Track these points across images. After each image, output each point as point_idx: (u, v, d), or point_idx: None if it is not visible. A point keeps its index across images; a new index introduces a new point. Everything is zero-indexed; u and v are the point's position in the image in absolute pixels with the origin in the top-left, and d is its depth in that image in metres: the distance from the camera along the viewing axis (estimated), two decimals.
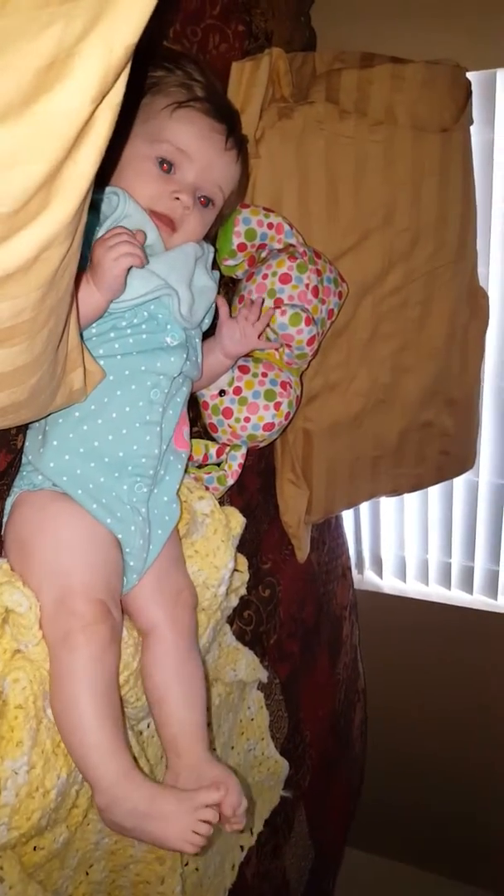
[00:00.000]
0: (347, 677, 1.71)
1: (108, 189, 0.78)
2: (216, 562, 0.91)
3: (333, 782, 1.67)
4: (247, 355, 1.03)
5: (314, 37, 1.37)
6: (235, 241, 1.02)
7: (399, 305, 1.25)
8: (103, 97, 0.41)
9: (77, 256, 0.54)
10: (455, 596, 1.98)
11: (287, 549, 1.37)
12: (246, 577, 1.04)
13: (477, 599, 1.95)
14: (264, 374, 1.03)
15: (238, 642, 1.09)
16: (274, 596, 1.31)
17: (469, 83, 1.21)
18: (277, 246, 1.06)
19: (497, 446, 1.76)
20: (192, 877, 0.98)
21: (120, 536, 0.77)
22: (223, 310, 0.96)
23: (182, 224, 0.83)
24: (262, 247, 1.06)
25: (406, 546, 1.99)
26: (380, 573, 2.06)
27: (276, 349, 1.04)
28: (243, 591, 1.04)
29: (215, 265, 1.00)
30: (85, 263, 0.73)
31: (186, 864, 0.96)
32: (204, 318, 0.90)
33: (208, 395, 1.03)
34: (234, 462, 1.04)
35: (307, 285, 1.02)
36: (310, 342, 1.04)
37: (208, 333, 0.96)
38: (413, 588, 2.03)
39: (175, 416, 0.84)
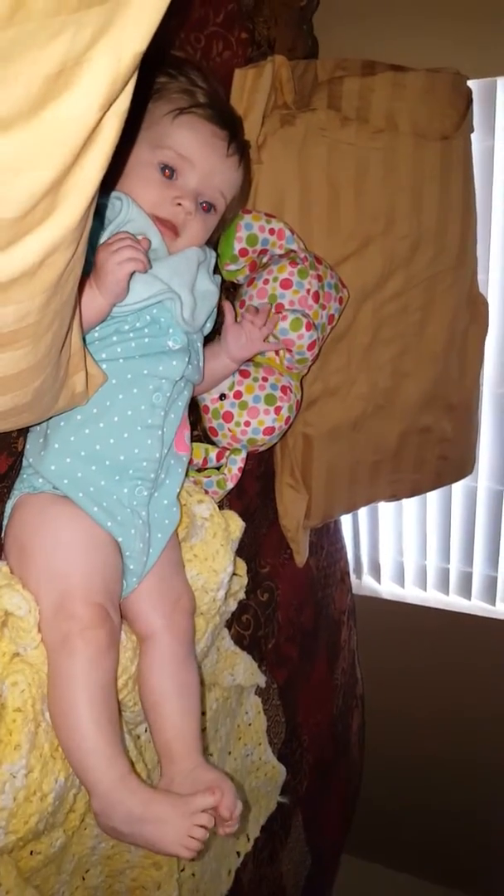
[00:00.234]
0: (345, 682, 1.71)
1: (112, 194, 0.78)
2: (215, 566, 0.91)
3: (331, 788, 1.66)
4: (248, 359, 1.03)
5: (316, 45, 1.38)
6: (237, 246, 1.03)
7: (399, 311, 1.25)
8: (111, 104, 0.41)
9: (82, 261, 0.55)
10: (453, 601, 1.98)
11: (286, 553, 1.37)
12: (244, 581, 1.04)
13: (475, 605, 1.95)
14: (265, 379, 1.03)
15: (236, 647, 1.09)
16: (272, 600, 1.31)
17: (470, 91, 1.21)
18: (279, 251, 1.06)
19: (496, 452, 1.76)
20: (188, 882, 0.98)
21: (120, 540, 0.77)
22: (229, 315, 0.97)
23: (184, 229, 0.83)
24: (263, 252, 1.06)
25: (404, 551, 1.99)
26: (378, 578, 2.06)
27: (277, 353, 1.05)
28: (242, 596, 1.04)
29: (217, 270, 1.01)
30: (89, 268, 0.73)
31: (183, 870, 0.96)
32: (206, 322, 0.90)
33: (209, 398, 1.03)
34: (234, 466, 1.04)
35: (308, 290, 1.03)
36: (310, 347, 1.04)
37: (209, 337, 0.96)
38: (411, 593, 2.03)
39: (176, 420, 0.84)
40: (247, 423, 1.02)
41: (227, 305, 0.96)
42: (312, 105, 1.13)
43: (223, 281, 1.01)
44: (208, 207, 0.86)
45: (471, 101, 1.21)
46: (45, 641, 0.70)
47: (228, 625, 1.11)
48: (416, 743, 2.15)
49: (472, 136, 1.25)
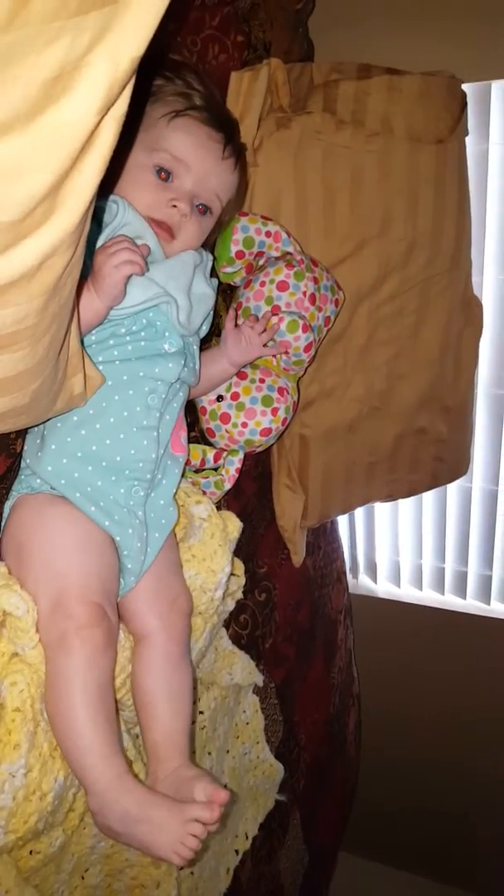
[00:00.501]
0: (342, 681, 1.71)
1: (109, 197, 0.79)
2: (213, 566, 0.91)
3: (328, 786, 1.67)
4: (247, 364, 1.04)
5: (312, 48, 1.39)
6: (234, 248, 1.03)
7: (394, 313, 1.26)
8: (109, 109, 0.42)
9: (80, 264, 0.55)
10: (449, 600, 1.98)
11: (283, 553, 1.38)
12: (242, 581, 1.04)
13: (470, 604, 1.96)
14: (262, 380, 1.04)
15: (234, 646, 1.09)
16: (270, 600, 1.32)
17: (464, 94, 1.22)
18: (275, 254, 1.07)
19: (490, 453, 1.77)
20: (187, 881, 0.98)
21: (118, 539, 0.78)
22: (229, 322, 0.98)
23: (180, 231, 0.83)
24: (259, 255, 1.07)
25: (400, 551, 2.00)
26: (374, 578, 2.06)
27: (274, 356, 1.05)
28: (240, 595, 1.04)
29: (214, 272, 1.01)
30: (87, 271, 0.73)
31: (182, 868, 0.96)
32: (202, 325, 0.91)
33: (206, 400, 1.04)
34: (232, 467, 1.05)
35: (304, 293, 1.03)
36: (307, 349, 1.05)
37: (206, 340, 0.97)
38: (407, 592, 2.04)
39: (172, 422, 0.85)
40: (244, 425, 1.02)
41: (229, 316, 0.97)
42: (308, 108, 1.14)
43: (220, 283, 1.01)
44: (204, 210, 0.86)
45: (465, 104, 1.22)
46: (42, 641, 0.70)
47: (226, 624, 1.11)
48: (412, 741, 2.16)
49: (467, 139, 1.26)
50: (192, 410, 1.05)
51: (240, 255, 1.04)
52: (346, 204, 1.14)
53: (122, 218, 0.78)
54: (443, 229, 1.22)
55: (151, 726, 0.77)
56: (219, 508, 0.98)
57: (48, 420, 0.76)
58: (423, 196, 1.18)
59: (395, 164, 1.15)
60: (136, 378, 0.79)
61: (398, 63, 1.20)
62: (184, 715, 0.79)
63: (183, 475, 0.90)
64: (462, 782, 2.15)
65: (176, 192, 0.82)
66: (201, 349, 0.92)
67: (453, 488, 1.82)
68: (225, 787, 1.02)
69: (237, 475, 1.05)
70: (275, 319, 1.01)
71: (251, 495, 1.26)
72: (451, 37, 1.36)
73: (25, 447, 0.79)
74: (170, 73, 0.85)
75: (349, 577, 1.95)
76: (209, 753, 1.03)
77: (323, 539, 1.61)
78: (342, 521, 1.94)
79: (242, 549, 1.18)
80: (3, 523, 0.77)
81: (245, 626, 1.23)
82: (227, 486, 1.04)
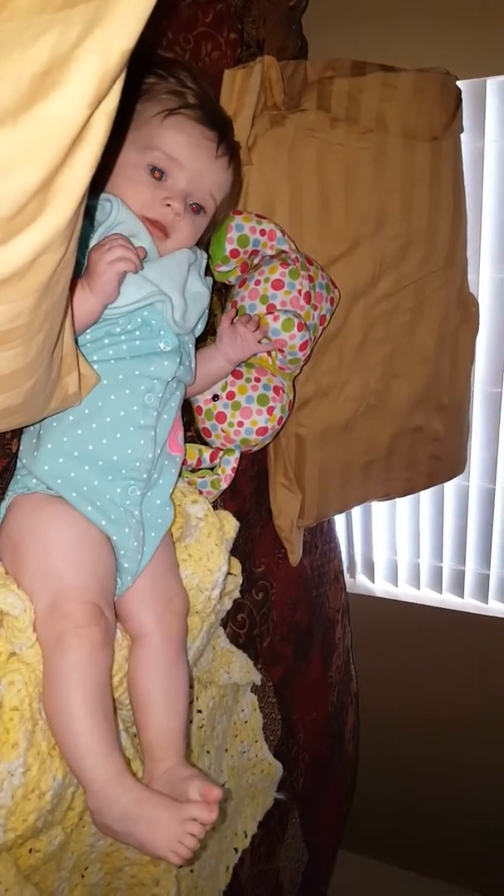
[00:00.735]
0: (340, 680, 1.71)
1: (101, 196, 0.78)
2: (210, 565, 0.91)
3: (326, 785, 1.67)
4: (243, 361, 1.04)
5: (306, 45, 1.39)
6: (228, 247, 1.03)
7: (390, 311, 1.26)
8: (99, 103, 0.42)
9: (72, 261, 0.55)
10: (446, 599, 1.98)
11: (280, 552, 1.38)
12: (239, 580, 1.04)
13: (468, 603, 1.96)
14: (257, 379, 1.04)
15: (232, 645, 1.09)
16: (267, 599, 1.32)
17: (459, 91, 1.22)
18: (270, 252, 1.06)
19: (487, 451, 1.77)
20: (186, 879, 0.98)
21: (114, 538, 0.78)
22: (225, 319, 0.98)
23: (174, 230, 0.83)
24: (254, 253, 1.06)
25: (398, 550, 2.00)
26: (372, 577, 2.06)
27: (269, 354, 1.05)
28: (237, 595, 1.04)
29: (208, 271, 1.01)
30: (80, 269, 0.73)
31: (181, 867, 0.96)
32: (197, 323, 0.91)
33: (202, 399, 1.04)
34: (228, 466, 1.05)
35: (299, 291, 1.03)
36: (302, 347, 1.05)
37: (201, 338, 0.97)
38: (404, 591, 2.04)
39: (169, 421, 0.85)
40: (240, 424, 1.02)
41: (226, 315, 0.97)
42: (302, 106, 1.14)
43: (215, 282, 1.01)
44: (198, 209, 0.86)
45: (460, 101, 1.22)
46: (40, 640, 0.70)
47: (224, 623, 1.11)
48: (410, 739, 2.16)
49: (462, 136, 1.26)
50: (187, 410, 1.05)
51: (234, 253, 1.04)
52: (341, 202, 1.14)
53: (116, 216, 0.78)
54: (438, 227, 1.22)
55: (147, 725, 0.77)
56: (215, 508, 0.98)
57: (43, 419, 0.76)
58: (418, 193, 1.18)
59: (389, 161, 1.15)
60: (132, 377, 0.79)
61: (392, 60, 1.20)
62: (180, 714, 0.79)
63: (179, 475, 0.90)
64: (460, 780, 2.16)
65: (170, 191, 0.82)
66: (196, 348, 0.92)
67: (450, 487, 1.82)
68: (223, 785, 1.02)
69: (233, 474, 1.05)
70: (268, 318, 1.01)
71: (248, 495, 1.26)
72: (445, 33, 1.36)
73: (21, 447, 0.79)
74: (162, 71, 0.85)
75: (346, 576, 1.95)
76: (208, 752, 1.03)
77: (320, 538, 1.61)
78: (339, 521, 1.94)
79: (239, 549, 1.18)
80: None
81: (243, 626, 1.23)
82: (224, 485, 1.04)
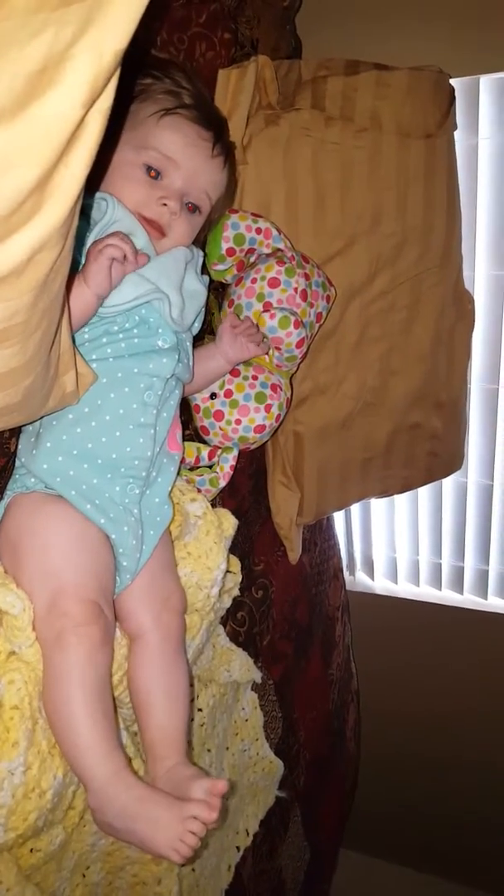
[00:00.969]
0: (340, 678, 1.72)
1: (97, 195, 0.79)
2: (208, 563, 0.92)
3: (328, 782, 1.67)
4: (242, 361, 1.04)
5: (300, 45, 1.39)
6: (224, 245, 1.04)
7: (386, 309, 1.26)
8: (94, 102, 0.42)
9: (69, 260, 0.55)
10: (446, 596, 1.99)
11: (279, 550, 1.38)
12: (239, 578, 1.04)
13: (467, 599, 1.96)
14: (254, 377, 1.04)
15: (232, 643, 1.09)
16: (267, 597, 1.32)
17: (452, 89, 1.23)
18: (266, 251, 1.07)
19: (484, 447, 1.77)
20: (188, 878, 0.99)
21: (113, 537, 0.78)
22: (226, 320, 0.98)
23: (170, 229, 0.84)
24: (250, 251, 1.07)
25: (397, 547, 2.00)
26: (371, 574, 2.07)
27: (266, 353, 1.05)
28: (236, 593, 1.05)
29: (205, 269, 1.02)
30: (76, 268, 0.73)
31: (182, 865, 0.96)
32: (194, 321, 0.91)
33: (199, 398, 1.04)
34: (226, 464, 1.05)
35: (296, 289, 1.03)
36: (299, 345, 1.05)
37: (199, 336, 0.97)
38: (404, 589, 2.04)
39: (169, 419, 0.85)
40: (238, 422, 1.03)
41: (229, 315, 0.97)
42: (296, 105, 1.14)
43: (211, 281, 1.02)
44: (193, 208, 0.86)
45: (454, 98, 1.23)
46: (39, 639, 0.70)
47: (224, 622, 1.11)
48: (411, 736, 2.16)
49: (456, 134, 1.26)
50: (185, 408, 1.05)
51: (231, 252, 1.05)
52: (336, 200, 1.14)
53: (112, 215, 0.78)
54: (433, 224, 1.23)
55: (148, 724, 0.78)
56: (214, 506, 0.98)
57: (42, 418, 0.76)
58: (412, 191, 1.19)
59: (384, 159, 1.15)
60: (130, 375, 0.79)
61: (386, 58, 1.21)
62: (180, 713, 0.79)
63: (178, 473, 0.90)
64: (461, 777, 2.16)
65: (165, 191, 0.82)
66: (194, 346, 0.93)
67: (449, 483, 1.83)
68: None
69: (232, 472, 1.05)
70: (265, 316, 1.01)
71: (246, 493, 1.26)
72: (438, 32, 1.36)
73: (20, 446, 0.79)
74: (158, 71, 0.85)
75: (346, 574, 1.95)
76: (208, 750, 1.04)
77: (319, 536, 1.61)
78: (338, 518, 1.94)
79: (239, 547, 1.18)
80: None
81: (242, 624, 1.23)
82: (222, 483, 1.05)
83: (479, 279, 1.59)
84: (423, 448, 1.43)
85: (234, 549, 1.00)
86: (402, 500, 1.91)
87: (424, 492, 1.86)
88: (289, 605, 1.42)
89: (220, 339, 0.99)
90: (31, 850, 0.73)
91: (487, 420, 1.74)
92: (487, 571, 1.91)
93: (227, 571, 0.98)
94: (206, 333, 1.04)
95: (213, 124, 0.86)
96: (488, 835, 2.20)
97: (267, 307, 1.03)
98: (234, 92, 1.07)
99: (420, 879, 2.38)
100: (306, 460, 1.31)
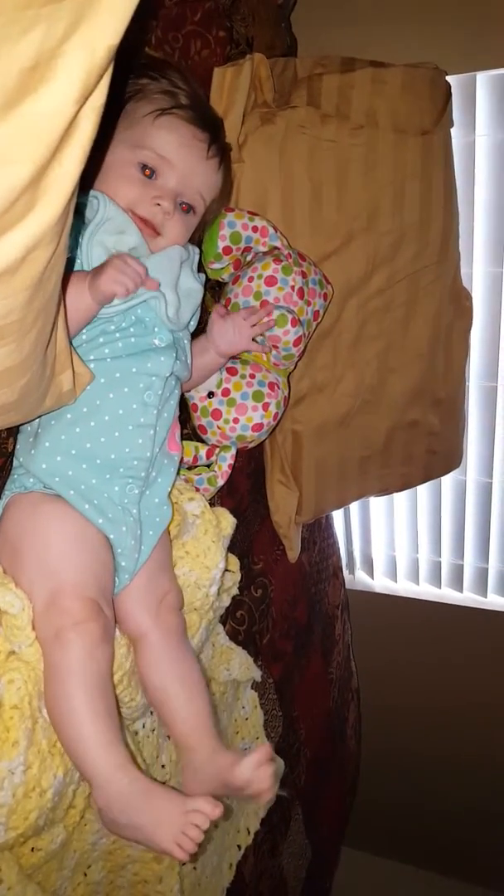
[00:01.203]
0: (340, 676, 1.72)
1: (90, 193, 0.79)
2: (207, 562, 0.92)
3: (329, 781, 1.67)
4: (234, 357, 1.04)
5: (295, 42, 1.39)
6: (221, 244, 1.04)
7: (383, 307, 1.26)
8: (86, 99, 0.42)
9: (63, 258, 0.55)
10: (445, 594, 1.99)
11: (278, 549, 1.38)
12: (238, 577, 1.04)
13: (467, 597, 1.96)
14: (252, 376, 1.04)
15: (231, 642, 1.09)
16: (266, 596, 1.32)
17: (449, 86, 1.23)
18: (262, 249, 1.07)
19: (483, 445, 1.77)
20: (190, 876, 0.99)
21: (112, 537, 0.78)
22: (214, 312, 0.98)
23: (164, 229, 0.83)
24: (247, 250, 1.07)
25: (396, 546, 2.00)
26: (371, 573, 2.07)
27: (264, 352, 1.05)
28: (235, 592, 1.05)
29: (201, 268, 1.01)
30: (71, 266, 0.73)
31: (184, 863, 0.96)
32: (191, 319, 0.91)
33: (197, 397, 1.04)
34: (224, 463, 1.05)
35: (293, 287, 1.03)
36: (296, 343, 1.05)
37: (195, 335, 0.97)
38: (404, 587, 2.04)
39: (169, 419, 0.85)
40: (235, 420, 1.03)
41: (218, 308, 0.97)
42: (292, 103, 1.14)
43: (208, 279, 1.01)
44: (188, 209, 0.86)
45: (450, 95, 1.22)
46: (39, 637, 0.70)
47: (223, 621, 1.11)
48: (412, 734, 2.16)
49: (453, 131, 1.26)
50: (183, 407, 1.05)
51: (227, 250, 1.04)
52: (333, 198, 1.14)
53: (104, 213, 0.78)
54: (430, 222, 1.23)
55: (174, 719, 0.78)
56: (212, 505, 0.98)
57: (40, 418, 0.76)
58: (409, 189, 1.18)
59: (380, 156, 1.15)
60: (129, 374, 0.79)
61: (382, 56, 1.21)
62: (200, 701, 0.79)
63: (177, 473, 0.90)
64: (462, 774, 2.16)
65: (160, 190, 0.82)
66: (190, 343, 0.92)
67: (447, 481, 1.83)
68: None
69: (230, 471, 1.05)
70: (267, 316, 1.01)
71: (245, 492, 1.26)
72: (435, 29, 1.36)
73: (18, 446, 0.79)
74: (154, 71, 0.85)
75: (346, 572, 1.95)
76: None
77: (318, 535, 1.61)
78: (337, 517, 1.94)
79: (237, 546, 1.18)
80: None
81: (242, 623, 1.23)
82: (220, 482, 1.04)
83: (476, 276, 1.59)
84: (422, 446, 1.43)
85: (232, 547, 1.00)
86: (401, 498, 1.91)
87: (423, 490, 1.86)
88: (288, 604, 1.42)
89: (209, 331, 0.98)
90: (33, 850, 0.73)
91: (486, 418, 1.74)
92: (487, 569, 1.91)
93: (226, 570, 0.98)
94: (202, 333, 1.04)
95: (210, 125, 0.86)
96: (489, 832, 2.20)
97: (264, 305, 1.03)
98: (230, 90, 1.07)
99: (421, 876, 2.39)
100: (304, 459, 1.31)
